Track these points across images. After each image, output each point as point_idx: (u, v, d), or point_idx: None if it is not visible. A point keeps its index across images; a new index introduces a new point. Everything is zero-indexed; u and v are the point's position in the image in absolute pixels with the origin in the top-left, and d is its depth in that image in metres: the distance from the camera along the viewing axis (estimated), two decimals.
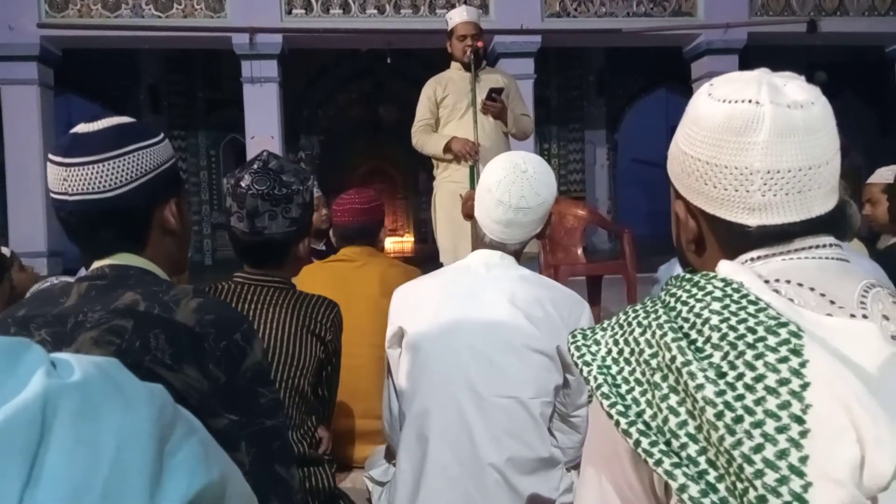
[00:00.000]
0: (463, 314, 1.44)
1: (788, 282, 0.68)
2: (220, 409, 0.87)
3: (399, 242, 12.85)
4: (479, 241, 1.53)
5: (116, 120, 0.97)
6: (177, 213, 1.01)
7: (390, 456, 1.65)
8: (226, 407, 0.87)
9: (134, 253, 0.98)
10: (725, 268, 0.67)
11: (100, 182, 0.92)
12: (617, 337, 0.67)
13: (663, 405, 0.60)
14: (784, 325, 0.58)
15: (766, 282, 0.66)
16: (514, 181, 1.42)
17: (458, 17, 3.43)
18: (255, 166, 1.47)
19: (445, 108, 3.42)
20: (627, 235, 4.13)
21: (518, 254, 1.53)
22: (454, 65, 3.50)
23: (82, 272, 1.00)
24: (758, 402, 0.55)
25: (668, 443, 0.58)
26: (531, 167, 1.44)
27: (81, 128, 0.95)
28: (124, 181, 0.93)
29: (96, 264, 0.97)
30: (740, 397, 0.56)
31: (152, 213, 0.98)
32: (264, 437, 0.91)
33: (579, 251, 4.31)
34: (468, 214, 1.57)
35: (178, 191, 1.03)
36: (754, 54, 7.49)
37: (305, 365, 1.51)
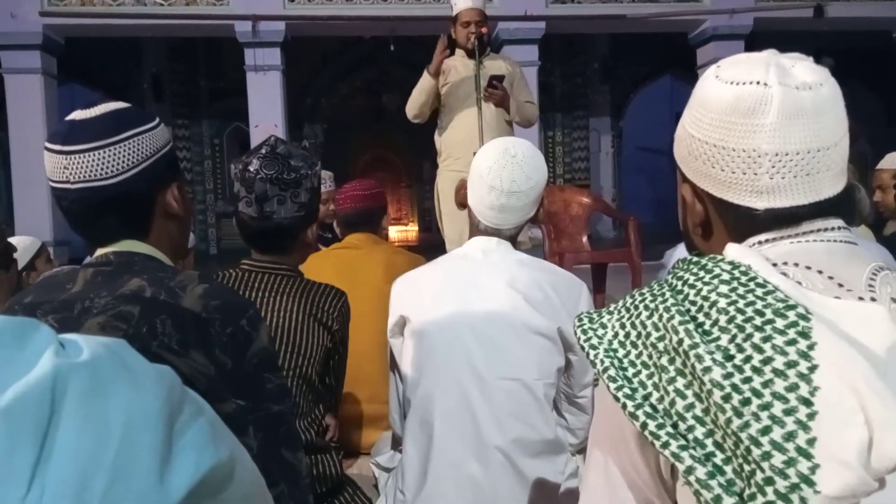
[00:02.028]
0: (464, 300, 1.45)
1: (796, 265, 0.67)
2: (228, 394, 0.87)
3: (403, 231, 12.87)
4: (474, 228, 1.53)
5: (112, 106, 0.96)
6: (179, 197, 1.01)
7: (396, 444, 1.66)
8: (233, 392, 0.88)
9: (137, 239, 0.98)
10: (733, 251, 0.66)
11: (103, 168, 0.91)
12: (623, 320, 0.67)
13: (670, 388, 0.60)
14: (792, 307, 0.58)
15: (774, 265, 0.65)
16: (505, 166, 1.43)
17: (462, 3, 3.41)
18: (264, 151, 1.46)
19: (448, 96, 3.41)
20: (632, 223, 4.12)
21: (513, 238, 1.54)
22: (458, 51, 3.48)
23: (88, 261, 1.00)
24: (765, 384, 0.55)
25: (675, 425, 0.58)
26: (520, 151, 1.45)
27: (78, 115, 0.95)
28: (127, 166, 0.93)
29: (100, 251, 0.97)
30: (748, 380, 0.55)
31: (155, 197, 0.98)
32: (271, 423, 0.92)
33: (584, 239, 4.30)
34: (462, 203, 1.57)
35: (178, 174, 1.03)
36: (760, 40, 7.41)
37: (312, 353, 1.50)
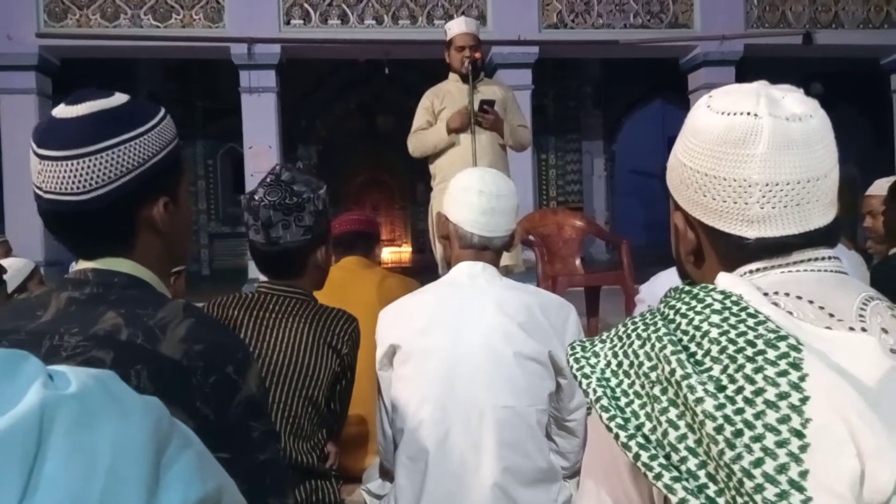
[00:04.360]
0: (453, 327, 1.44)
1: (787, 294, 0.68)
2: (209, 448, 0.82)
3: (396, 252, 12.85)
4: (462, 249, 1.53)
5: (101, 104, 0.84)
6: (164, 213, 0.88)
7: (384, 473, 1.65)
8: (215, 446, 0.76)
9: (120, 255, 0.87)
10: (724, 280, 0.67)
11: (72, 182, 0.80)
12: (616, 349, 0.67)
13: (663, 418, 0.59)
14: (783, 338, 0.58)
15: (765, 294, 0.66)
16: (485, 174, 1.55)
17: (457, 27, 3.44)
18: (269, 179, 1.52)
19: (442, 121, 3.43)
20: (626, 246, 4.14)
21: (500, 253, 1.56)
22: (451, 76, 3.51)
23: (68, 274, 0.91)
24: (757, 415, 0.55)
25: (667, 456, 0.58)
26: (492, 170, 1.63)
27: (61, 110, 0.83)
28: (102, 181, 0.81)
29: (81, 265, 0.88)
30: (740, 411, 0.55)
31: (136, 213, 0.87)
32: (257, 473, 0.84)
33: (577, 262, 4.31)
34: (443, 235, 1.59)
35: (171, 185, 0.90)
36: (750, 66, 7.53)
37: (321, 377, 1.51)
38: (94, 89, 0.88)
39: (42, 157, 0.82)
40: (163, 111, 0.90)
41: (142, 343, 0.79)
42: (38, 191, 0.84)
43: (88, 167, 0.81)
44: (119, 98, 0.86)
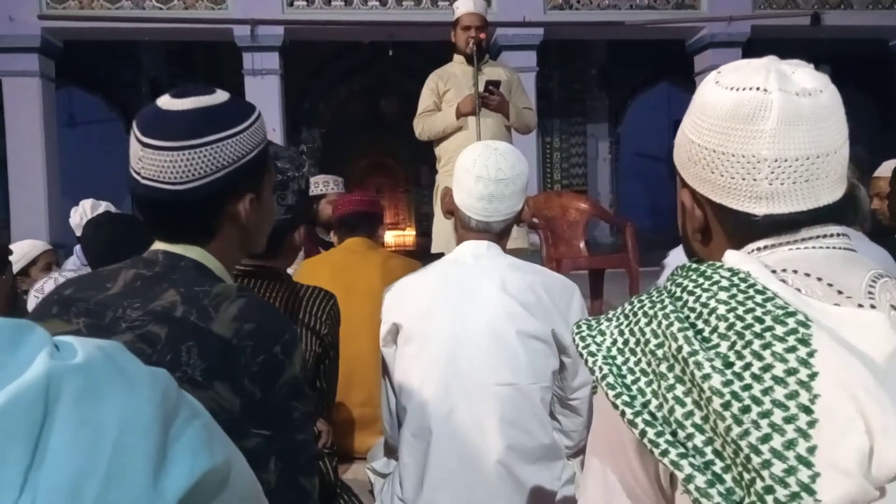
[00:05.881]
0: (456, 306, 1.44)
1: (795, 271, 0.67)
2: (252, 426, 0.83)
3: (400, 236, 12.86)
4: (463, 229, 1.53)
5: (205, 100, 0.89)
6: (248, 208, 0.94)
7: (390, 452, 1.66)
8: (258, 423, 0.83)
9: (198, 244, 0.93)
10: (732, 257, 0.66)
11: (173, 172, 0.86)
12: (622, 327, 0.67)
13: (669, 395, 0.59)
14: (792, 314, 0.58)
15: (773, 271, 0.65)
16: (489, 156, 1.48)
17: (464, 7, 3.41)
18: None
19: (448, 103, 3.41)
20: (630, 229, 4.13)
21: (504, 235, 1.55)
22: (456, 58, 3.48)
23: (144, 254, 0.96)
24: (765, 391, 0.54)
25: (674, 433, 0.58)
26: (501, 146, 1.53)
27: (167, 101, 0.89)
28: (199, 174, 0.87)
29: (156, 246, 0.94)
30: (747, 387, 0.55)
31: (224, 206, 0.92)
32: (293, 452, 0.87)
33: (581, 245, 4.31)
34: (448, 210, 1.58)
35: (257, 182, 0.96)
36: (758, 47, 7.44)
37: None
38: (199, 84, 0.94)
39: (144, 145, 0.87)
40: (257, 111, 0.95)
41: (195, 321, 0.84)
42: (135, 175, 0.89)
43: (189, 159, 0.86)
44: (221, 95, 0.92)
